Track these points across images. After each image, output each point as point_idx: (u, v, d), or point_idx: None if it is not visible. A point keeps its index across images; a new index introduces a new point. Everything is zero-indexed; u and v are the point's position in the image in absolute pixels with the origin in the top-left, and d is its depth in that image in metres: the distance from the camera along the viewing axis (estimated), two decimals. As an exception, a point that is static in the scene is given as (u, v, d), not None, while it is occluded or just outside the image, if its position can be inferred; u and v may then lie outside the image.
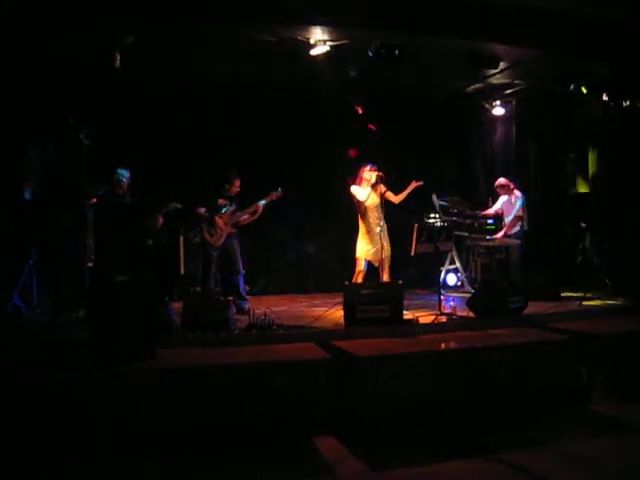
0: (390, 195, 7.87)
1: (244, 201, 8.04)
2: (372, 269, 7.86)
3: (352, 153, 9.36)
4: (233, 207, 7.91)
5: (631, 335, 6.14)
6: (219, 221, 7.78)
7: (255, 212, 7.96)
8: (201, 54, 7.81)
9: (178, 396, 4.67)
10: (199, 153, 9.13)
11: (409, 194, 7.90)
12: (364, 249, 7.80)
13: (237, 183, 7.93)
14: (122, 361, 4.81)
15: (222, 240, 7.80)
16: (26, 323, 6.64)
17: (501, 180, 9.34)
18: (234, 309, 6.55)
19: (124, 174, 7.27)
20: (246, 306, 7.61)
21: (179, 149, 9.09)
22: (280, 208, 8.50)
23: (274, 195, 7.90)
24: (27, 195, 7.84)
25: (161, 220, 7.40)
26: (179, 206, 7.53)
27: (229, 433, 4.58)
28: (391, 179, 7.89)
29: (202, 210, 7.79)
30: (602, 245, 8.76)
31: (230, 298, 6.76)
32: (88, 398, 4.53)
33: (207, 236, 7.77)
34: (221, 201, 7.88)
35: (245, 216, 7.96)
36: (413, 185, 7.85)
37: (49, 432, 4.37)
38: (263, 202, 7.91)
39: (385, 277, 7.66)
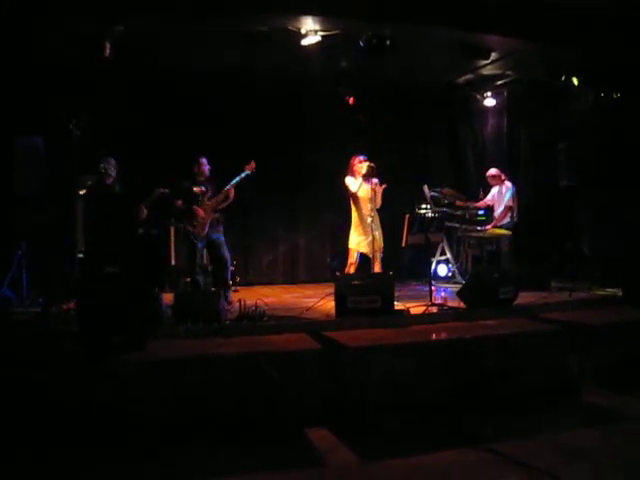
0: (379, 195, 7.81)
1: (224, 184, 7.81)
2: (364, 260, 7.86)
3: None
4: (209, 193, 7.71)
5: (621, 325, 6.16)
6: (198, 210, 7.61)
7: (228, 195, 7.73)
8: (188, 42, 7.76)
9: (169, 387, 4.66)
10: (187, 141, 9.06)
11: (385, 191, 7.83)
12: (357, 240, 7.80)
13: (203, 162, 7.74)
14: (112, 352, 4.78)
15: (206, 229, 7.64)
16: (15, 314, 6.60)
17: (492, 171, 9.35)
18: (224, 300, 6.52)
19: (111, 164, 7.21)
20: (229, 297, 7.50)
21: (168, 138, 9.02)
22: (268, 197, 8.44)
23: (248, 168, 7.66)
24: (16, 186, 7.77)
25: (145, 211, 7.32)
26: (166, 191, 7.43)
27: (221, 423, 4.57)
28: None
29: (179, 202, 7.62)
30: (592, 236, 8.78)
31: (220, 288, 6.73)
32: (77, 389, 4.50)
33: (190, 228, 7.64)
34: (196, 189, 7.66)
35: (221, 197, 7.71)
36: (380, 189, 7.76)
37: (36, 425, 4.34)
38: (235, 181, 7.66)
39: (377, 268, 7.65)
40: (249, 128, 9.52)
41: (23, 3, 6.28)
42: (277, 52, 7.87)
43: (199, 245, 7.68)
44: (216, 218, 7.78)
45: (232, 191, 7.73)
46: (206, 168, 7.77)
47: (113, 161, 7.23)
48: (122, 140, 8.38)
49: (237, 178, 7.67)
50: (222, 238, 7.83)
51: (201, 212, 7.61)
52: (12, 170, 7.74)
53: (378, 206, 7.76)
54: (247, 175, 7.68)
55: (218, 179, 7.86)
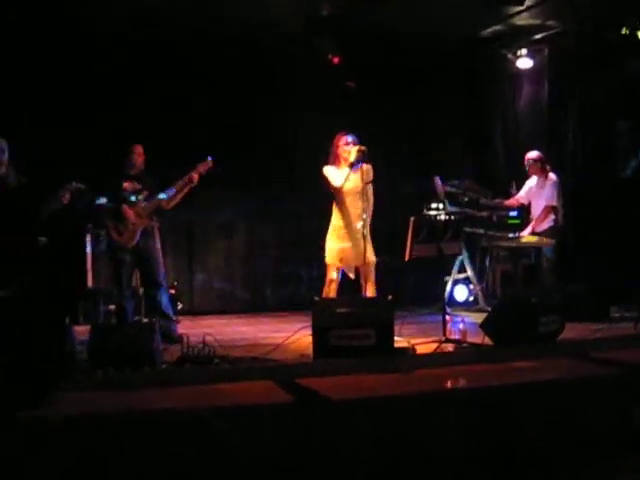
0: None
1: (170, 176, 7.83)
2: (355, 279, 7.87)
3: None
4: (144, 192, 7.74)
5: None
6: (129, 212, 7.61)
7: (181, 189, 7.75)
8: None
9: (81, 455, 4.62)
10: (106, 120, 9.06)
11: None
12: (335, 249, 7.73)
13: (138, 151, 7.78)
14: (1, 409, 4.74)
15: (136, 239, 7.65)
16: None
17: (533, 154, 9.39)
18: (159, 336, 6.50)
19: (2, 148, 7.14)
20: (173, 329, 7.56)
21: (78, 116, 9.01)
22: (222, 195, 8.48)
23: (201, 167, 7.70)
24: None
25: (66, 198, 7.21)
26: (82, 187, 7.37)
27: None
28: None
29: (103, 201, 7.55)
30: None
31: (154, 320, 6.72)
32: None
33: (115, 235, 7.64)
34: (126, 184, 7.72)
35: (166, 198, 7.72)
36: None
37: None
38: (178, 184, 7.70)
39: (369, 291, 7.65)
40: (199, 103, 9.59)
41: None
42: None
43: (126, 258, 7.67)
44: (151, 225, 7.80)
45: (178, 196, 7.76)
46: (140, 159, 7.80)
47: (3, 143, 7.13)
48: (20, 118, 8.35)
49: (182, 180, 7.67)
50: (158, 252, 7.85)
51: (131, 215, 7.61)
52: None
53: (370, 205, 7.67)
54: (200, 175, 7.70)
55: (160, 172, 7.90)
